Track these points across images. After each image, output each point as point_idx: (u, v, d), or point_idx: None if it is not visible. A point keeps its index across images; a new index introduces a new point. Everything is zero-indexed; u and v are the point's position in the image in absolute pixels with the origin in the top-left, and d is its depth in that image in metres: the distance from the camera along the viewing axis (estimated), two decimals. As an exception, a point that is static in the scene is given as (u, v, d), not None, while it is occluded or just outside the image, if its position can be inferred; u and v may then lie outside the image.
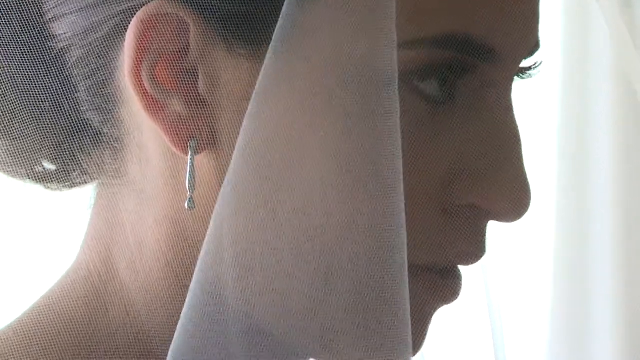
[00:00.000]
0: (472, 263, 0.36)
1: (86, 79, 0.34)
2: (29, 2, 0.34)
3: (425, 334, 0.37)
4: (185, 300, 0.35)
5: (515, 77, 0.37)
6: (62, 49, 0.34)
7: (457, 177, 0.33)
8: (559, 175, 1.04)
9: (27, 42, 0.34)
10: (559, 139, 1.04)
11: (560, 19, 1.01)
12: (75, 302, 0.36)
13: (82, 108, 0.35)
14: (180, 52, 0.32)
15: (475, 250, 0.36)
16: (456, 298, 0.37)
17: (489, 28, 0.32)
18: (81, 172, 0.38)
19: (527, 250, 1.01)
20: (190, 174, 0.32)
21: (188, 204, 0.32)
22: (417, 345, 0.36)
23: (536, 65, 0.37)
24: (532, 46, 0.36)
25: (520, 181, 0.34)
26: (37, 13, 0.34)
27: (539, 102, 1.00)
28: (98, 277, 0.37)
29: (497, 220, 0.35)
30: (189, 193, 0.32)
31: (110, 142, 0.35)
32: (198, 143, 0.32)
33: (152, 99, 0.32)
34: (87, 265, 0.37)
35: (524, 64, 0.37)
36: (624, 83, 0.97)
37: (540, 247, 1.03)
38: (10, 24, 0.34)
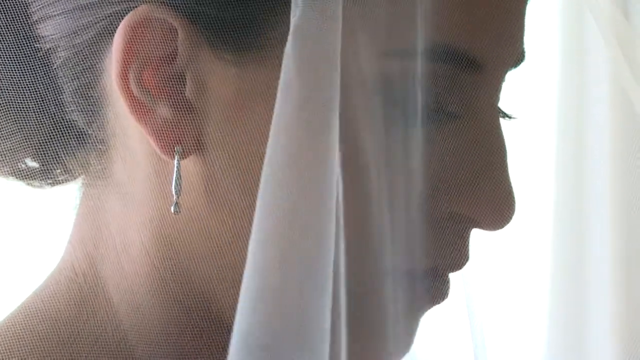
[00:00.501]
0: (454, 270, 0.37)
1: (72, 80, 0.34)
2: (15, 3, 0.34)
3: (413, 336, 0.37)
4: (171, 302, 0.35)
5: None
6: (48, 50, 0.34)
7: (441, 186, 0.33)
8: (556, 178, 1.04)
9: (13, 43, 0.34)
10: (557, 142, 1.04)
11: (557, 29, 1.02)
12: (60, 304, 0.36)
13: (67, 109, 0.35)
14: (167, 56, 0.32)
15: (458, 258, 0.36)
16: (443, 300, 0.37)
17: (474, 40, 0.32)
18: (64, 170, 0.38)
19: (524, 252, 1.01)
20: (176, 179, 0.32)
21: (174, 208, 0.32)
22: (404, 347, 0.36)
23: (518, 64, 0.37)
24: (518, 57, 0.36)
25: (504, 190, 0.34)
26: (23, 14, 0.34)
27: (536, 108, 1.00)
28: (83, 278, 0.36)
29: (481, 228, 0.35)
30: (175, 198, 0.32)
31: (96, 143, 0.35)
32: (184, 148, 0.32)
33: (139, 102, 0.32)
34: (72, 266, 0.37)
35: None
36: (620, 89, 0.97)
37: (538, 249, 1.03)
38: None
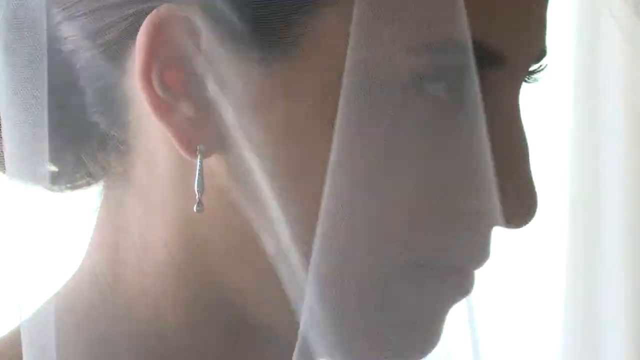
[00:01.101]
0: (475, 268, 0.36)
1: (94, 81, 0.34)
2: (36, 3, 0.34)
3: (439, 333, 0.36)
4: (193, 303, 0.36)
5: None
6: (70, 51, 0.34)
7: (464, 182, 0.33)
8: (571, 180, 1.04)
9: (34, 44, 0.34)
10: (572, 143, 1.04)
11: (571, 28, 1.01)
12: (83, 307, 0.36)
13: (88, 110, 0.35)
14: (190, 55, 0.32)
15: (478, 255, 0.36)
16: (468, 294, 0.37)
17: (497, 34, 0.32)
18: (85, 174, 0.38)
19: (538, 251, 1.01)
20: (199, 178, 0.32)
21: (197, 207, 0.32)
22: (430, 344, 0.36)
23: (542, 68, 0.37)
24: (540, 52, 0.36)
25: (527, 188, 0.34)
26: (45, 15, 0.34)
27: (551, 109, 1.00)
28: (105, 281, 0.36)
29: (503, 226, 0.34)
30: (198, 196, 0.32)
31: (117, 144, 0.35)
32: (207, 147, 0.32)
33: (162, 102, 0.32)
34: (92, 269, 0.37)
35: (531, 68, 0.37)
36: (635, 87, 0.97)
37: (553, 249, 1.03)
38: (17, 25, 0.34)
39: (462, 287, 0.37)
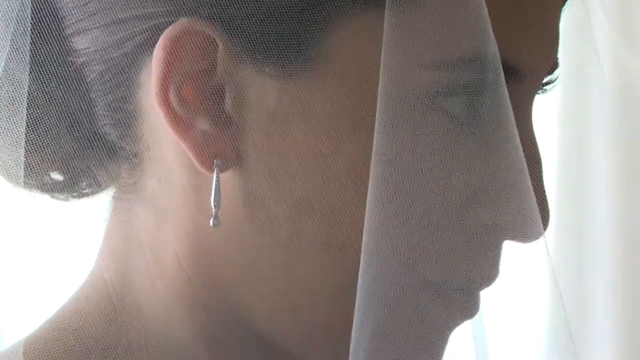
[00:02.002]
0: (486, 285, 0.36)
1: (106, 94, 0.34)
2: (49, 15, 0.34)
3: (442, 353, 0.37)
4: (203, 315, 0.35)
5: None
6: (82, 63, 0.34)
7: (478, 196, 0.33)
8: (557, 184, 1.05)
9: (46, 56, 0.34)
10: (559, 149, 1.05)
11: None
12: (91, 317, 0.36)
13: (99, 122, 0.35)
14: (207, 70, 0.32)
15: (489, 273, 0.36)
16: (472, 316, 0.37)
17: (513, 47, 0.32)
18: (91, 183, 0.38)
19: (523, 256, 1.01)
20: (215, 192, 0.32)
21: (213, 221, 0.32)
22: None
23: (553, 81, 0.37)
24: (553, 65, 0.36)
25: (541, 202, 0.34)
26: (57, 27, 0.34)
27: (538, 111, 1.00)
28: (114, 291, 0.36)
29: (515, 240, 0.35)
30: (214, 210, 0.32)
31: (128, 156, 0.35)
32: (224, 161, 0.32)
33: (179, 116, 0.32)
34: (102, 280, 0.37)
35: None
36: (623, 85, 0.98)
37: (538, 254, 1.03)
38: (29, 37, 0.33)
39: (468, 309, 0.37)
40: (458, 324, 0.37)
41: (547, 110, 1.06)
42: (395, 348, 0.34)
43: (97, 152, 0.36)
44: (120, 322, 0.36)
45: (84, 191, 0.39)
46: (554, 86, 0.38)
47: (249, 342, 0.37)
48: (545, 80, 0.37)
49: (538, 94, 0.37)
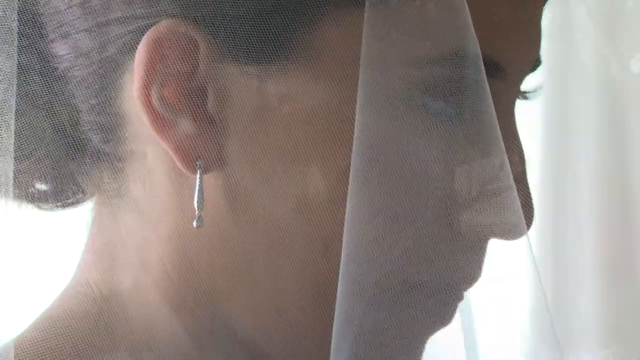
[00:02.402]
0: (468, 286, 0.37)
1: (89, 98, 0.34)
2: (30, 22, 0.34)
3: (420, 357, 0.37)
4: (188, 316, 0.36)
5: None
6: (65, 69, 0.34)
7: (462, 195, 0.33)
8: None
9: (29, 63, 0.34)
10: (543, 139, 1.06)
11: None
12: (76, 319, 0.36)
13: (83, 127, 0.35)
14: (189, 71, 0.32)
15: (472, 273, 0.36)
16: (447, 324, 0.37)
17: (495, 44, 0.32)
18: (77, 191, 0.38)
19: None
20: (199, 193, 0.32)
21: (197, 222, 0.32)
22: None
23: (536, 90, 0.38)
24: (536, 61, 0.36)
25: (526, 200, 0.34)
26: (39, 33, 0.34)
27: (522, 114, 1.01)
28: (99, 293, 0.36)
29: (500, 238, 0.35)
30: (197, 212, 0.32)
31: (111, 161, 0.35)
32: (207, 162, 0.32)
33: (161, 117, 0.32)
34: (87, 282, 0.37)
35: (526, 87, 0.37)
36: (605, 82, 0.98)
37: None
38: (10, 43, 0.33)
39: (444, 316, 0.37)
40: (435, 330, 0.37)
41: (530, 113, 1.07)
42: (376, 350, 0.34)
43: (81, 158, 0.36)
44: (106, 323, 0.36)
45: (68, 200, 0.39)
46: (537, 95, 0.38)
47: (233, 346, 0.37)
48: (530, 89, 0.37)
49: (519, 98, 0.37)
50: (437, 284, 0.35)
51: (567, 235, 1.10)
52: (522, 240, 0.34)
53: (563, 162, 1.09)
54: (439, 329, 0.37)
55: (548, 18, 0.38)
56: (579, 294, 1.08)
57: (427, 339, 0.37)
